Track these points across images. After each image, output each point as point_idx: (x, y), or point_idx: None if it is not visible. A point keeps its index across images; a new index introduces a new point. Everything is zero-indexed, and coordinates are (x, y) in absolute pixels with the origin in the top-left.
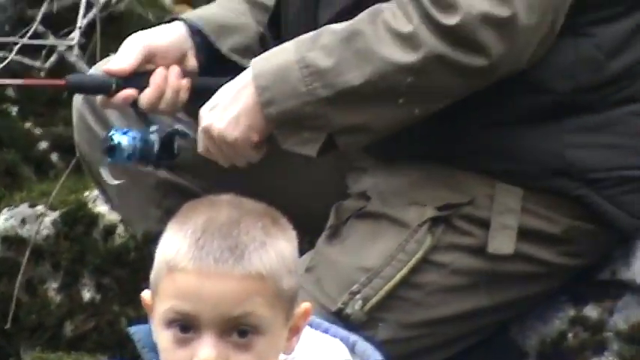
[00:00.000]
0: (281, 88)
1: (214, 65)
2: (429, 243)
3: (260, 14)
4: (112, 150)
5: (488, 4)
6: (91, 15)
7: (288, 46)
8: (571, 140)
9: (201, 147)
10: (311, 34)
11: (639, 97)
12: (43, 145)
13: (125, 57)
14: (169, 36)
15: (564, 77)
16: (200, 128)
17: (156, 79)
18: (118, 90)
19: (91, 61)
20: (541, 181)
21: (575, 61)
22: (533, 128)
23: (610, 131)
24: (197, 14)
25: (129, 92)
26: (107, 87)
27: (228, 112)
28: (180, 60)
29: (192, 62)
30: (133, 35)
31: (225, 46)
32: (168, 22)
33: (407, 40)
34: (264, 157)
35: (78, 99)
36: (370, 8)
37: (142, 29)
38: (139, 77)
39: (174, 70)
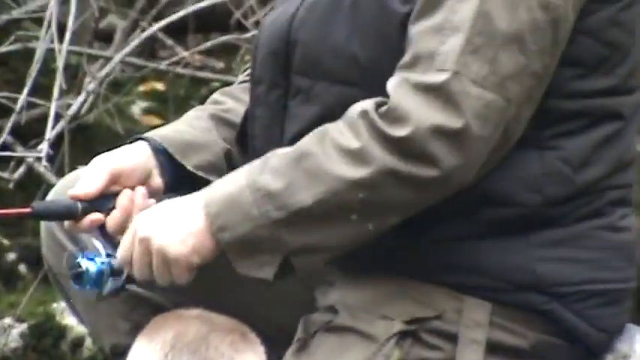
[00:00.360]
0: (233, 213)
1: (180, 183)
2: (396, 357)
3: (226, 131)
4: (79, 277)
5: (440, 116)
6: (59, 126)
7: (238, 173)
8: (538, 254)
9: (123, 253)
10: (259, 160)
11: (606, 212)
12: (11, 256)
13: (91, 180)
14: (134, 157)
15: (531, 191)
16: (134, 236)
17: (122, 201)
18: (84, 214)
19: (60, 173)
20: (509, 296)
21: (541, 174)
22: (499, 242)
23: (578, 245)
24: (161, 133)
25: (95, 216)
26: (73, 212)
27: (175, 229)
28: (145, 179)
29: (157, 181)
30: (98, 157)
31: (190, 163)
32: (132, 141)
33: (356, 155)
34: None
35: None
36: (316, 130)
37: (110, 141)
38: (105, 200)
39: (140, 191)
